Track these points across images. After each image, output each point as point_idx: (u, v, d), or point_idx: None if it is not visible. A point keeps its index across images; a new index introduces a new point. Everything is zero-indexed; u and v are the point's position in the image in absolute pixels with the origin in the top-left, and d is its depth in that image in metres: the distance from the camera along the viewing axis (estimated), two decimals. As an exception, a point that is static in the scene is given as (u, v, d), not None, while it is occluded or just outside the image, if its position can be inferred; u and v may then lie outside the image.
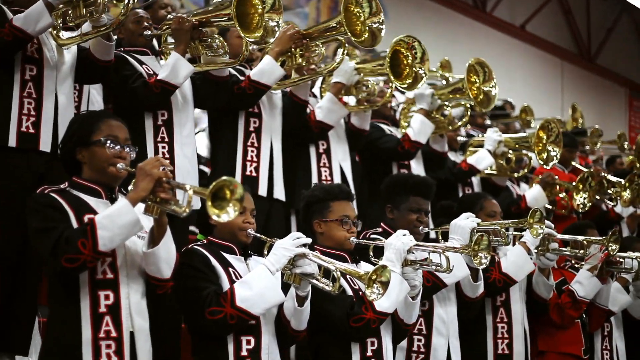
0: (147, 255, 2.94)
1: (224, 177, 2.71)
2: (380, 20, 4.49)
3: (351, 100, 5.26)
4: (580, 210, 6.04)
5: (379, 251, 3.65)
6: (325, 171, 5.07)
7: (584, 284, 4.60)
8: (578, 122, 9.08)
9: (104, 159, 3.00)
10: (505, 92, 11.16)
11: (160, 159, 2.91)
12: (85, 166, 3.05)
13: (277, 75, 4.51)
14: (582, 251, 4.64)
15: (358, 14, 4.48)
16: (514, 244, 4.39)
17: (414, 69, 4.82)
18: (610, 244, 4.56)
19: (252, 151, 4.63)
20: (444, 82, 7.87)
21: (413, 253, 3.55)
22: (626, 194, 6.30)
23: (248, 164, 4.60)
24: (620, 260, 4.82)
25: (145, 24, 4.37)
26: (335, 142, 5.17)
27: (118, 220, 2.79)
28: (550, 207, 6.16)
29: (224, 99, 4.52)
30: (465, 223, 4.05)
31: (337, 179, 5.05)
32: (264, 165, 4.65)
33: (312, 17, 12.25)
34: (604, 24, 17.55)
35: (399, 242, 3.49)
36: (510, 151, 5.92)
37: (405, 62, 4.84)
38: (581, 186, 5.99)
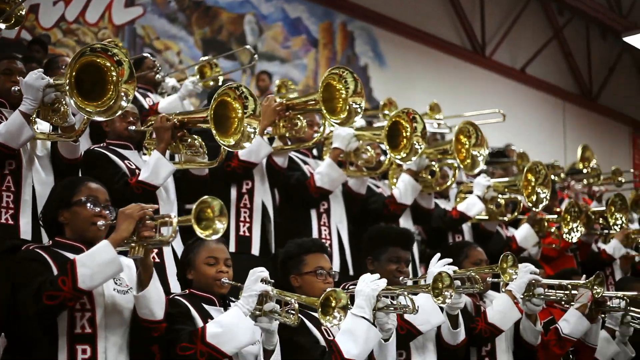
0: (139, 298, 3.05)
1: (202, 198, 2.83)
2: (361, 104, 4.49)
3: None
4: (570, 239, 6.02)
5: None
6: (325, 230, 5.06)
7: (570, 321, 4.52)
8: (590, 162, 9.02)
9: (84, 218, 3.15)
10: (507, 135, 11.29)
11: (142, 205, 3.01)
12: (67, 227, 3.18)
13: (264, 153, 4.60)
14: (567, 292, 4.53)
15: (340, 90, 4.50)
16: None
17: (411, 141, 4.87)
18: (595, 287, 4.47)
19: (245, 212, 4.71)
20: (436, 124, 7.96)
21: (380, 299, 3.46)
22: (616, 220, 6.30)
23: (241, 224, 4.67)
24: (608, 300, 4.76)
25: (131, 118, 4.40)
26: (335, 203, 5.18)
27: (98, 258, 2.90)
28: (540, 243, 6.18)
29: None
30: (436, 270, 3.92)
31: (335, 239, 5.07)
32: (257, 225, 4.72)
33: (310, 68, 12.21)
34: (605, 63, 17.67)
35: (368, 289, 3.44)
36: (500, 195, 5.92)
37: (404, 134, 4.89)
38: (568, 217, 6.00)
